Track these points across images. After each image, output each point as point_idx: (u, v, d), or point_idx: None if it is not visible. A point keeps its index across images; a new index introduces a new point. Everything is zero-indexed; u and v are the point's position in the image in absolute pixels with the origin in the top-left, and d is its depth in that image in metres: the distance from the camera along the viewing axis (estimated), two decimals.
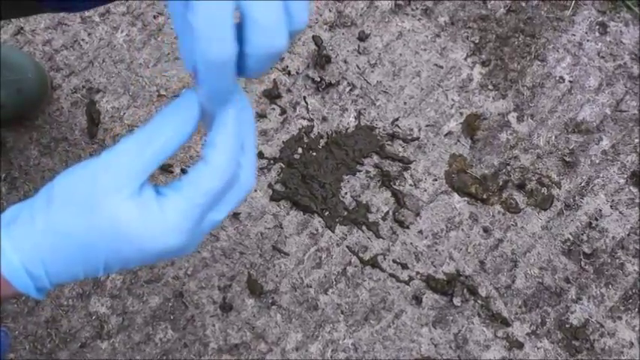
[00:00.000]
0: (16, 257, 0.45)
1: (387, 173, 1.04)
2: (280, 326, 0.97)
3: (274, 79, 1.07)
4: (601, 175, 1.05)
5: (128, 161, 0.44)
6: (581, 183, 1.04)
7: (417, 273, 1.00)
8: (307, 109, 1.07)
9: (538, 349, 0.97)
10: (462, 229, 1.02)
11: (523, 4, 1.12)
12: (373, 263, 1.00)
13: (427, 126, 1.06)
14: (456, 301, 0.99)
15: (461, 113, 1.07)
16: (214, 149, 0.44)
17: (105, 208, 0.44)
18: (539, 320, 0.98)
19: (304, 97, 1.07)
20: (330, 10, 1.10)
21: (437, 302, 0.99)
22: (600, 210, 1.03)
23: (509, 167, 1.04)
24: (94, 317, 0.97)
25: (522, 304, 0.99)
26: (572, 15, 1.12)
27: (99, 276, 0.48)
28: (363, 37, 1.09)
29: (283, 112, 1.06)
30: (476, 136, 1.06)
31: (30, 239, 0.45)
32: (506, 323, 0.98)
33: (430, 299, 0.99)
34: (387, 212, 1.02)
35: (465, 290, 0.99)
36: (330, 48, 1.09)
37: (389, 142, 1.05)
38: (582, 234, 1.02)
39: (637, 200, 1.03)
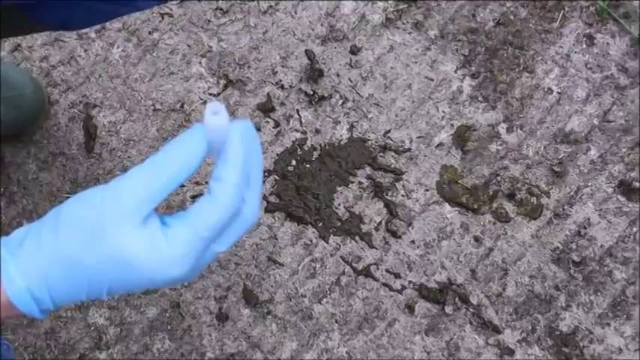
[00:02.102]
0: (22, 281, 0.46)
1: (380, 184, 1.05)
2: (276, 335, 0.99)
3: (268, 93, 1.09)
4: (589, 185, 1.06)
5: (135, 193, 0.45)
6: (569, 192, 1.06)
7: (410, 282, 1.01)
8: (301, 121, 1.08)
9: (529, 355, 0.99)
10: (454, 239, 1.03)
11: (512, 17, 1.14)
12: (366, 273, 1.01)
13: (418, 137, 1.08)
14: (448, 309, 1.00)
15: (451, 125, 1.09)
16: (221, 184, 0.45)
17: (112, 238, 0.45)
18: (530, 327, 1.00)
19: (297, 110, 1.09)
20: (322, 25, 1.13)
21: (429, 311, 1.00)
22: (589, 219, 1.04)
23: (499, 177, 1.06)
24: (92, 328, 0.98)
25: (513, 312, 1.00)
26: (559, 27, 1.14)
27: (102, 299, 0.49)
28: (354, 51, 1.11)
29: (277, 125, 1.08)
30: (466, 147, 1.07)
31: (36, 264, 0.46)
32: (497, 331, 0.99)
33: (423, 308, 1.00)
34: (380, 222, 1.04)
35: (457, 299, 1.01)
36: (323, 62, 1.10)
37: (381, 154, 1.07)
38: (571, 242, 1.03)
39: (625, 209, 1.05)
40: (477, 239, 1.03)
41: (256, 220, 0.50)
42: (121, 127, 1.07)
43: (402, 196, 1.05)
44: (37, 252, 0.46)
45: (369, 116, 1.09)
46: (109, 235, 0.45)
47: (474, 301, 1.00)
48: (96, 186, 0.47)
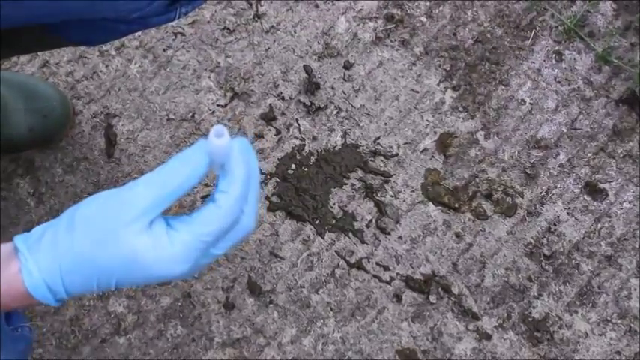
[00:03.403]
0: (39, 274, 0.47)
1: (370, 186, 1.08)
2: (277, 322, 1.01)
3: (270, 104, 1.12)
4: (558, 186, 1.09)
5: (144, 199, 0.46)
6: (541, 193, 1.09)
7: (398, 274, 1.04)
8: (299, 130, 1.11)
9: (504, 339, 1.01)
10: (437, 235, 1.07)
11: (489, 35, 1.17)
12: (359, 266, 1.05)
13: (405, 144, 1.11)
14: (432, 298, 1.03)
15: (435, 132, 1.11)
16: (225, 196, 0.47)
17: (121, 237, 0.46)
18: (505, 314, 1.03)
19: (296, 120, 1.12)
20: (318, 43, 1.16)
21: (415, 299, 1.03)
22: (558, 216, 1.08)
23: (477, 179, 1.09)
24: (112, 316, 1.01)
25: (490, 301, 1.03)
26: (531, 45, 1.17)
27: (110, 290, 0.51)
28: (348, 66, 1.14)
29: (278, 132, 1.11)
30: (448, 153, 1.10)
31: (52, 259, 0.47)
32: (476, 317, 1.02)
33: (409, 297, 1.03)
34: (371, 220, 1.07)
35: (440, 289, 1.04)
36: (319, 76, 1.14)
37: (372, 159, 1.10)
38: (542, 238, 1.07)
39: (590, 208, 1.08)
40: (457, 235, 1.06)
41: (253, 229, 0.51)
42: (138, 135, 1.09)
43: (391, 196, 1.08)
44: (52, 248, 0.47)
45: (361, 125, 1.12)
46: (118, 234, 0.46)
47: (455, 290, 1.03)
48: (113, 188, 0.49)
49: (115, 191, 0.47)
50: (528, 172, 1.10)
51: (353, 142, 1.11)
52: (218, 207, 0.47)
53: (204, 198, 1.08)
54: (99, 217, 0.47)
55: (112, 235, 0.46)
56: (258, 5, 1.18)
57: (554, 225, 1.08)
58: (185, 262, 0.47)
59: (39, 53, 1.11)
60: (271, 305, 1.02)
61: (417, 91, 1.14)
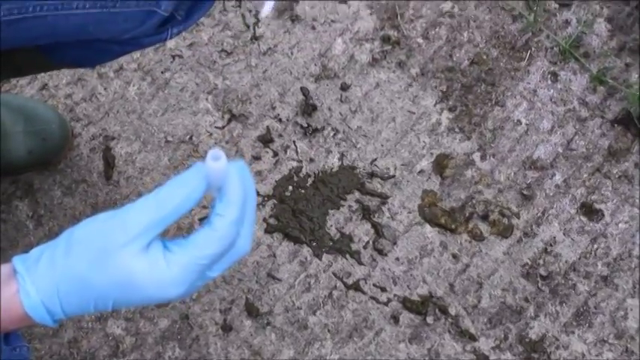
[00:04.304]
0: (37, 296, 0.48)
1: (367, 207, 1.09)
2: (274, 344, 1.01)
3: (267, 126, 1.12)
4: (554, 207, 1.10)
5: (140, 221, 0.46)
6: (537, 213, 1.09)
7: (395, 295, 1.04)
8: (296, 151, 1.12)
9: None
10: (434, 256, 1.07)
11: (484, 57, 1.18)
12: (356, 287, 1.05)
13: (402, 165, 1.12)
14: (429, 319, 1.03)
15: (431, 153, 1.12)
16: (221, 219, 0.47)
17: (117, 259, 0.46)
18: (503, 335, 1.03)
19: (294, 141, 1.12)
20: (315, 65, 1.17)
21: (412, 321, 1.03)
22: (554, 237, 1.08)
23: (474, 200, 1.10)
24: (110, 338, 1.01)
25: (487, 322, 1.04)
26: (527, 66, 1.17)
27: (107, 311, 0.51)
28: (344, 88, 1.15)
29: (275, 154, 1.12)
30: (445, 174, 1.11)
31: (50, 281, 0.47)
32: (473, 338, 1.03)
33: (406, 318, 1.03)
34: (368, 242, 1.07)
35: (437, 310, 1.04)
36: (316, 97, 1.14)
37: (368, 180, 1.10)
38: (539, 259, 1.07)
39: (586, 228, 1.09)
40: (454, 256, 1.07)
41: (249, 252, 0.51)
42: (136, 157, 1.10)
43: (388, 217, 1.08)
44: (50, 269, 0.47)
45: (358, 146, 1.12)
46: (115, 256, 0.46)
47: (452, 312, 1.04)
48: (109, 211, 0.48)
49: (112, 213, 0.48)
50: (524, 192, 1.11)
51: (350, 163, 1.12)
52: (214, 230, 0.47)
53: (201, 220, 1.08)
54: (96, 238, 0.47)
55: (109, 257, 0.46)
56: (256, 27, 1.19)
57: (551, 245, 1.08)
58: (181, 284, 0.47)
59: (38, 76, 1.12)
60: (269, 327, 1.03)
61: (414, 113, 1.15)
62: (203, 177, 0.47)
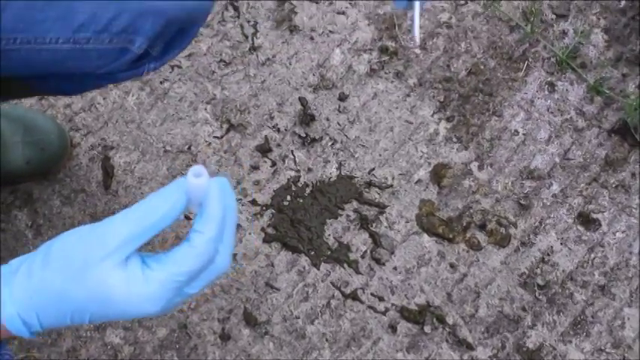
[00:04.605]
0: (13, 308, 0.47)
1: (365, 217, 1.09)
2: (272, 353, 1.01)
3: (266, 136, 1.13)
4: (552, 216, 1.10)
5: (119, 234, 0.46)
6: (534, 223, 1.10)
7: (392, 304, 1.05)
8: (295, 161, 1.12)
9: None
10: (431, 265, 1.07)
11: (482, 67, 1.18)
12: (354, 296, 1.05)
13: (400, 175, 1.12)
14: (427, 328, 1.03)
15: (429, 163, 1.13)
16: (200, 236, 0.47)
17: (95, 273, 0.46)
18: (500, 344, 1.03)
19: (292, 151, 1.13)
20: (313, 75, 1.17)
21: (410, 330, 1.04)
22: (552, 247, 1.08)
23: (471, 210, 1.10)
24: (109, 347, 1.01)
25: (485, 331, 1.04)
26: (524, 76, 1.18)
27: (84, 324, 0.50)
28: (342, 98, 1.15)
29: (274, 164, 1.12)
30: (442, 183, 1.11)
31: (26, 292, 0.47)
32: (471, 348, 1.03)
33: (404, 327, 1.04)
34: (366, 251, 1.08)
35: (435, 319, 1.04)
36: (314, 107, 1.15)
37: (366, 190, 1.11)
38: (536, 268, 1.07)
39: (584, 237, 1.09)
40: (452, 266, 1.07)
41: (227, 269, 0.50)
42: (135, 167, 1.10)
43: (385, 227, 1.09)
44: (27, 282, 0.47)
45: (356, 156, 1.13)
46: (92, 270, 0.46)
47: (449, 321, 1.04)
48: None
49: (92, 226, 0.47)
50: (522, 202, 1.11)
51: (348, 173, 1.12)
52: (192, 247, 0.47)
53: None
54: (74, 251, 0.47)
55: (87, 270, 0.46)
56: (254, 38, 1.19)
57: (548, 255, 1.08)
58: (158, 301, 0.47)
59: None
60: (267, 336, 1.03)
61: (411, 123, 1.16)
62: (183, 192, 0.47)
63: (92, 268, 0.46)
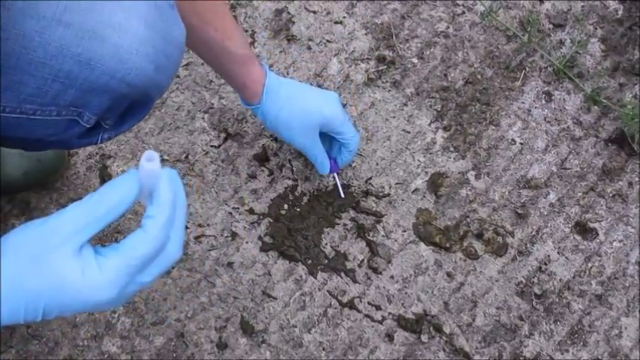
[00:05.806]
0: None
1: (362, 226, 1.09)
2: None
3: (263, 145, 1.13)
4: (549, 225, 1.10)
5: (72, 223, 0.47)
6: (531, 232, 1.10)
7: (389, 313, 1.05)
8: (292, 170, 1.13)
9: None
10: (428, 274, 1.07)
11: (479, 76, 1.19)
12: (351, 305, 1.05)
13: (397, 184, 1.12)
14: (424, 337, 1.03)
15: (426, 172, 1.13)
16: (152, 220, 0.49)
17: (48, 262, 0.47)
18: (497, 354, 1.03)
19: (289, 160, 1.13)
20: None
21: (407, 339, 1.04)
22: (549, 256, 1.09)
23: (468, 219, 1.10)
24: (106, 356, 1.01)
25: (482, 340, 1.04)
26: (521, 85, 1.18)
27: (37, 321, 0.50)
28: None
29: (271, 173, 1.12)
30: (439, 192, 1.12)
31: None
32: (468, 357, 1.02)
33: (401, 336, 1.04)
34: (363, 260, 1.08)
35: (432, 328, 1.04)
36: None
37: (363, 199, 1.11)
38: (533, 277, 1.07)
39: (580, 247, 1.09)
40: (449, 275, 1.07)
41: (179, 257, 0.51)
42: None
43: (382, 236, 1.09)
44: None
45: (353, 165, 1.13)
46: (46, 259, 0.47)
47: (446, 330, 1.04)
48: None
49: (44, 219, 0.48)
50: (519, 211, 1.11)
51: (345, 182, 1.13)
52: (145, 232, 0.49)
53: (197, 238, 1.08)
54: (27, 242, 0.47)
55: (40, 259, 0.47)
56: (252, 47, 1.20)
57: (545, 264, 1.08)
58: (112, 288, 0.48)
59: None
60: (264, 345, 1.03)
61: (409, 132, 1.16)
62: (136, 180, 0.49)
63: (46, 257, 0.47)
